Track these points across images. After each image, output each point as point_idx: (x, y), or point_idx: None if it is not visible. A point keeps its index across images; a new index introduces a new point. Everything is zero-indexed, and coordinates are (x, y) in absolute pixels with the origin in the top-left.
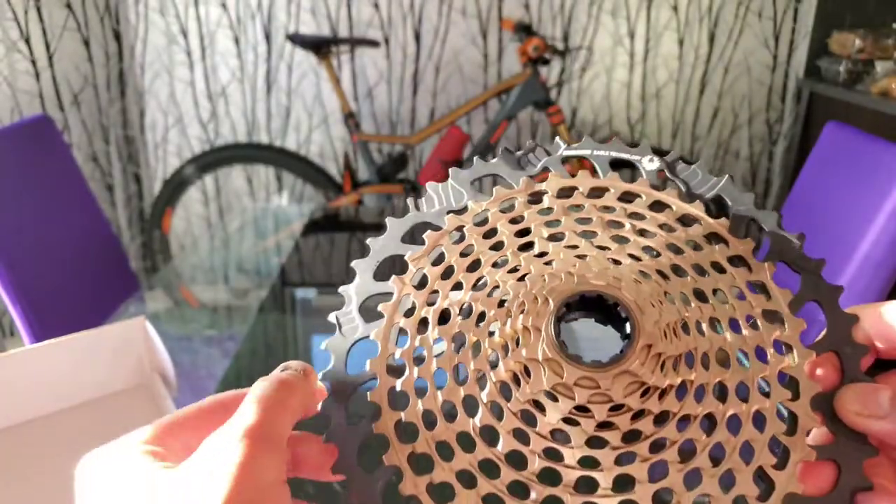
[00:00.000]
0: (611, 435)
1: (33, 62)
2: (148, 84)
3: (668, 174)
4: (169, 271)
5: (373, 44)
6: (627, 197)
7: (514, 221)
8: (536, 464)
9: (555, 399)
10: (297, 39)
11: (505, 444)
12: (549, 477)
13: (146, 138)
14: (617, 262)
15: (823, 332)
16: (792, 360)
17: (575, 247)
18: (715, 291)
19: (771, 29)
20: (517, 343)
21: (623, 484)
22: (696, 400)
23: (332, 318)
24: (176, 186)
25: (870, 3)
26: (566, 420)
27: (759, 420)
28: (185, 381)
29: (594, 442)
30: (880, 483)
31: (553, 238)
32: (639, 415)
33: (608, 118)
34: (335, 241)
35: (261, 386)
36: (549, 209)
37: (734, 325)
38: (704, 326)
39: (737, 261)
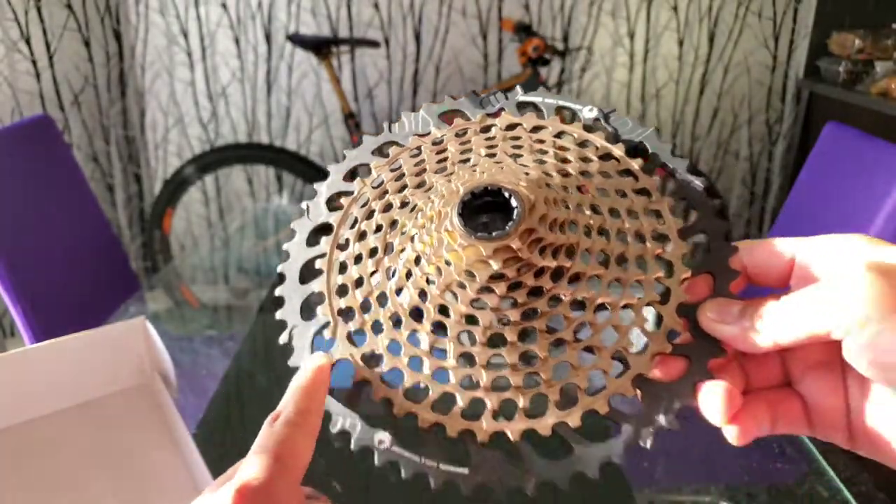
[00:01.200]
0: (489, 298)
1: (34, 62)
2: (148, 84)
3: (602, 121)
4: (169, 271)
5: (373, 44)
6: (561, 135)
7: (462, 143)
8: (432, 315)
9: (450, 265)
10: (297, 40)
11: (410, 300)
12: (441, 329)
13: (146, 138)
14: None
15: (704, 256)
16: (668, 273)
17: (500, 162)
18: (612, 210)
19: (771, 29)
20: (433, 223)
21: (497, 341)
22: (569, 284)
23: (303, 205)
24: (176, 186)
25: (869, 4)
26: (458, 284)
27: (626, 313)
28: (186, 381)
29: (477, 304)
30: (722, 377)
31: (488, 156)
32: (517, 287)
33: None
34: None
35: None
36: (493, 137)
37: (622, 238)
38: (592, 232)
39: (642, 193)
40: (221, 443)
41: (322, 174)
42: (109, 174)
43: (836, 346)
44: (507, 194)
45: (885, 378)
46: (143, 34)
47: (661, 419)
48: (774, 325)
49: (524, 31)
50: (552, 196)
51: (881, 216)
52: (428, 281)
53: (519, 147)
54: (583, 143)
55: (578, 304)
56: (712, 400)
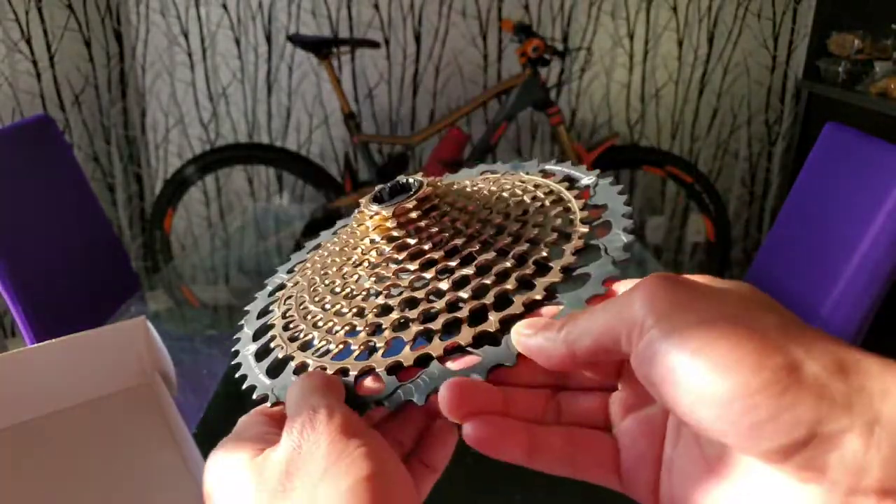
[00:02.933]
0: (369, 257)
1: (34, 62)
2: (149, 84)
3: (592, 188)
4: (170, 271)
5: (373, 45)
6: (538, 187)
7: (475, 184)
8: (365, 283)
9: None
10: (297, 40)
11: (356, 276)
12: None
13: (147, 138)
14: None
15: (572, 291)
16: (522, 290)
17: (466, 187)
18: (514, 235)
19: (770, 29)
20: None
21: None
22: (420, 267)
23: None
24: (177, 186)
25: (869, 4)
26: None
27: (453, 307)
28: (186, 380)
29: (360, 263)
30: (523, 398)
31: (471, 186)
32: (380, 253)
33: (607, 119)
34: None
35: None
36: (493, 180)
37: (501, 252)
38: (476, 239)
39: (560, 232)
40: None
41: (323, 175)
42: (110, 174)
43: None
44: (413, 183)
45: (655, 393)
46: (143, 35)
47: (415, 396)
48: (569, 334)
49: (524, 31)
50: (457, 202)
51: (881, 216)
52: (356, 246)
53: (497, 186)
54: (554, 197)
55: (422, 282)
56: (450, 392)
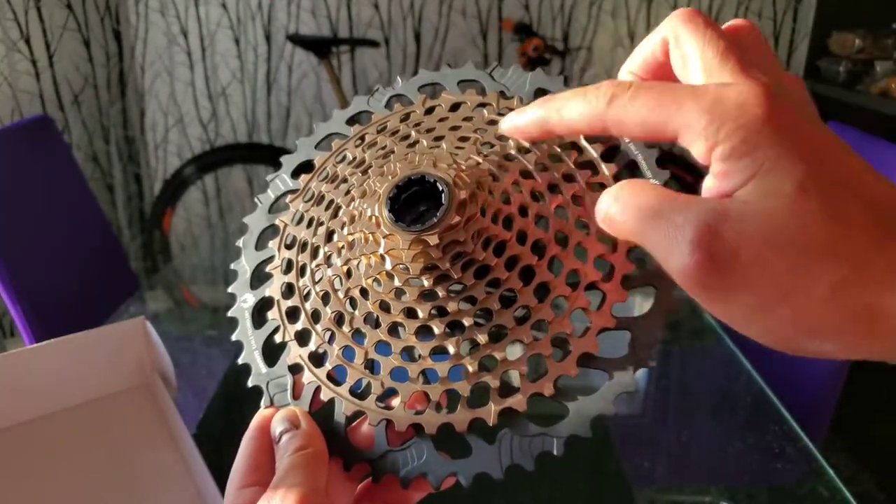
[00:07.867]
0: (410, 290)
1: (34, 62)
2: (148, 84)
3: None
4: (169, 271)
5: (373, 44)
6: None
7: (430, 111)
8: (368, 307)
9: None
10: (297, 40)
11: (354, 282)
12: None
13: (146, 138)
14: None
15: None
16: (612, 248)
17: (440, 137)
18: (552, 187)
19: (771, 29)
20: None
21: (428, 331)
22: (487, 287)
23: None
24: (176, 186)
25: (869, 4)
26: (387, 273)
27: (572, 276)
28: (186, 380)
29: (402, 294)
30: None
31: (429, 133)
32: (443, 279)
33: None
34: None
35: (289, 461)
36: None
37: (560, 239)
38: (528, 234)
39: (586, 166)
40: (221, 443)
41: None
42: (109, 174)
43: None
44: (440, 186)
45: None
46: (143, 34)
47: (400, 472)
48: (616, 114)
49: (524, 31)
50: (483, 196)
51: None
52: (359, 268)
53: (458, 128)
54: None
55: (507, 298)
56: None
